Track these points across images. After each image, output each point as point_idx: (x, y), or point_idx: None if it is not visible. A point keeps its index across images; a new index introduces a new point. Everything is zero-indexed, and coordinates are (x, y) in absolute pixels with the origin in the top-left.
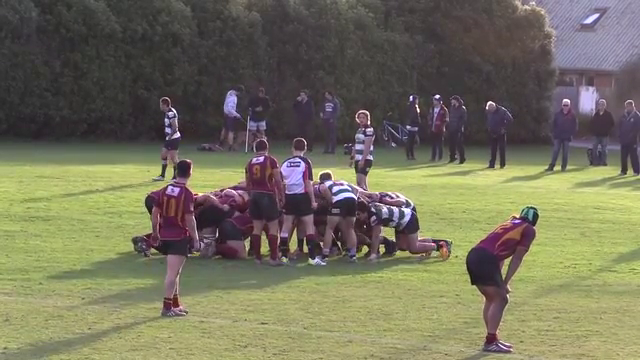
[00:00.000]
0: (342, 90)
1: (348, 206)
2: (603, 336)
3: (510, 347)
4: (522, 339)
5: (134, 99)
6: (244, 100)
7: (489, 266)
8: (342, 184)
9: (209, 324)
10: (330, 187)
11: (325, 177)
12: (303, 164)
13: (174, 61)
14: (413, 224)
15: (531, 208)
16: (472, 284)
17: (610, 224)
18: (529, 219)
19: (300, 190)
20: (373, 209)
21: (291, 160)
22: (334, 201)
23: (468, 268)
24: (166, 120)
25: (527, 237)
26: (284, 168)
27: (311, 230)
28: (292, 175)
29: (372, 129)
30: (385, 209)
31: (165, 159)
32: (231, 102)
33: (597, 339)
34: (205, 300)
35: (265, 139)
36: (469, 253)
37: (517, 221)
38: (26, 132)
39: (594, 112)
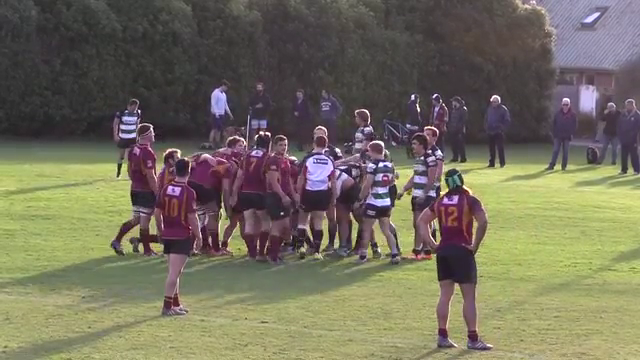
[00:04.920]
0: (343, 89)
1: (383, 212)
2: (603, 335)
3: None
4: (522, 338)
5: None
6: (245, 99)
7: (467, 263)
8: (385, 184)
9: (209, 323)
10: (376, 182)
11: (376, 149)
12: (331, 163)
13: (174, 60)
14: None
15: (451, 175)
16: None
17: (610, 223)
18: (459, 185)
19: (324, 187)
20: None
21: (317, 157)
22: (371, 203)
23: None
24: (134, 119)
25: (475, 207)
26: (310, 164)
27: (320, 225)
28: (318, 172)
29: (370, 128)
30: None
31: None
32: (223, 101)
33: (597, 338)
34: (205, 299)
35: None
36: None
37: (453, 201)
38: (26, 131)
39: (607, 111)
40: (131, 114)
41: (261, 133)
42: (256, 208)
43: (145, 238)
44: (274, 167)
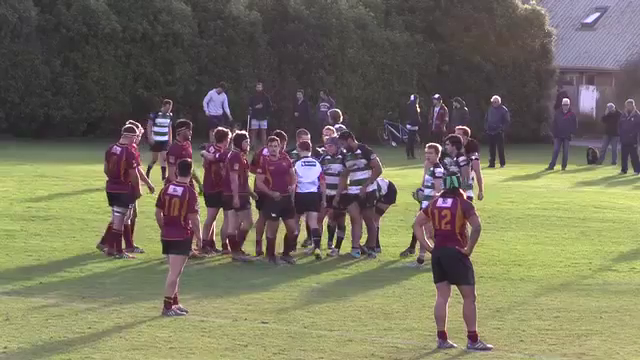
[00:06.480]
0: (343, 89)
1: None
2: (603, 335)
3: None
4: (522, 338)
5: (134, 99)
6: (245, 100)
7: (462, 265)
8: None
9: (209, 323)
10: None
11: (438, 151)
12: (318, 164)
13: (174, 61)
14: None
15: (449, 176)
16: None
17: (610, 223)
18: (456, 187)
19: (314, 189)
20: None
21: (305, 160)
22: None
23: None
24: (167, 121)
25: (469, 212)
26: (299, 167)
27: (315, 224)
28: (307, 174)
29: (341, 126)
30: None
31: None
32: (218, 101)
33: (597, 338)
34: (205, 299)
35: (244, 132)
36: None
37: (447, 203)
38: (26, 131)
39: (607, 111)
40: (164, 116)
41: (218, 128)
42: (223, 208)
43: (117, 237)
44: (236, 166)
